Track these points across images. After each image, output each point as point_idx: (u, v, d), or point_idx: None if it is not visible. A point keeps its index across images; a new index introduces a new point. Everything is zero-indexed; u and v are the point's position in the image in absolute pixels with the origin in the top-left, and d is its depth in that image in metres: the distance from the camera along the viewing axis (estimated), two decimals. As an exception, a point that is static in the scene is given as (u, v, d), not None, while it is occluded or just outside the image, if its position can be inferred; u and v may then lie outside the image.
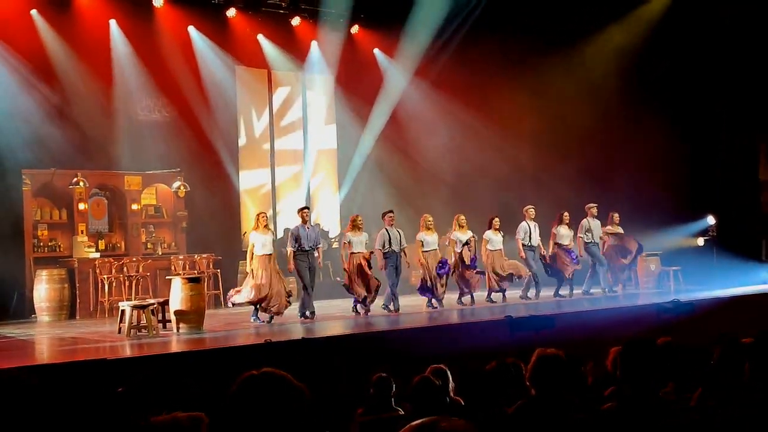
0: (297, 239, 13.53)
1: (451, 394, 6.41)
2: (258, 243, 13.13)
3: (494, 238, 15.57)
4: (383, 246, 14.21)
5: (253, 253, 13.13)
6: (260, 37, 19.49)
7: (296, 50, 20.12)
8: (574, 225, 16.55)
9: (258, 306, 13.07)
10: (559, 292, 16.23)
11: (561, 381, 4.78)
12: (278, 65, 20.01)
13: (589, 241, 16.55)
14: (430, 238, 14.73)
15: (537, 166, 20.57)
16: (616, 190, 18.85)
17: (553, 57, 20.10)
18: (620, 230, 16.98)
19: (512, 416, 4.79)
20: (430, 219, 14.85)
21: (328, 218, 20.88)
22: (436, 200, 19.60)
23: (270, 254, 13.20)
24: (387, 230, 14.31)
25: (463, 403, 6.32)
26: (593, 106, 19.79)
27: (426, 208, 16.12)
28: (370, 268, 13.85)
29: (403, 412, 6.25)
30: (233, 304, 13.62)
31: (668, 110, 19.59)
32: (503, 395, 5.51)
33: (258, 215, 13.48)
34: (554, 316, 12.29)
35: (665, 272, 17.63)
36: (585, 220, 16.65)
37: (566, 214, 16.37)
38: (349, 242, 13.95)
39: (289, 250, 13.59)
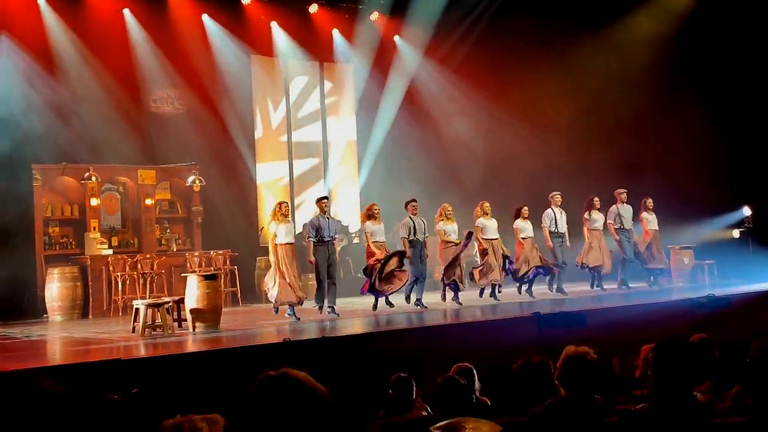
0: (317, 230, 13.53)
1: (477, 394, 6.40)
2: (281, 232, 13.19)
3: (525, 226, 15.64)
4: (408, 234, 14.24)
5: (275, 244, 13.16)
6: (275, 26, 19.51)
7: (314, 38, 20.13)
8: (605, 210, 16.57)
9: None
10: (599, 285, 16.31)
11: (591, 380, 4.76)
12: (295, 54, 20.02)
13: (619, 227, 16.50)
14: (452, 228, 14.73)
15: (566, 155, 20.44)
16: (649, 180, 18.71)
17: (585, 41, 19.93)
18: (654, 218, 16.85)
19: (540, 417, 4.77)
20: (449, 208, 14.84)
21: (349, 212, 20.89)
22: (460, 191, 19.55)
23: (293, 243, 13.33)
24: (411, 218, 14.35)
25: (489, 404, 6.30)
26: (627, 94, 19.64)
27: (449, 199, 16.06)
28: (402, 265, 13.92)
29: (426, 414, 6.24)
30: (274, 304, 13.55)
31: (707, 99, 19.39)
32: (531, 395, 5.49)
33: (279, 204, 13.53)
34: (584, 313, 12.23)
35: (699, 266, 17.52)
36: (614, 206, 16.62)
37: (596, 199, 16.39)
38: (372, 233, 13.99)
39: (309, 241, 13.58)
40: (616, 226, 16.48)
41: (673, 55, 19.75)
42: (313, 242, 13.51)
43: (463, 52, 20.53)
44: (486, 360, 7.37)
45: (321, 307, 13.52)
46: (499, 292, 15.19)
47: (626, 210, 16.65)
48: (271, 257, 13.28)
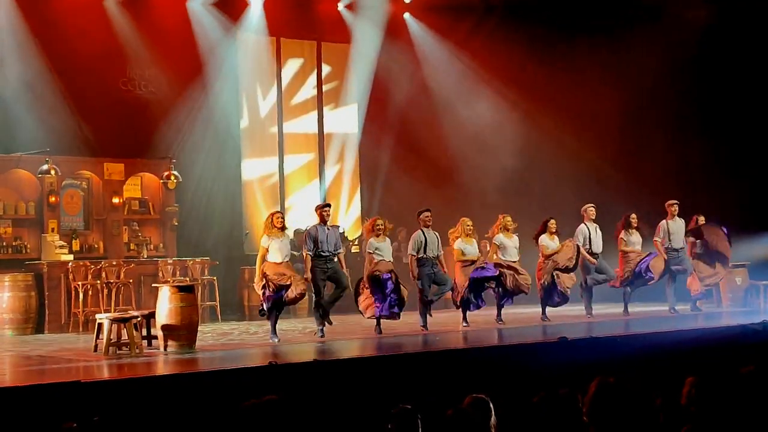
0: (315, 242, 13.49)
1: (493, 431, 6.41)
2: (273, 249, 13.11)
3: (551, 244, 15.46)
4: (417, 251, 14.23)
5: (264, 260, 13.10)
6: (267, -3, 19.57)
7: (310, 15, 20.17)
8: (645, 228, 16.43)
9: (279, 300, 13.07)
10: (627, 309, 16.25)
11: (626, 416, 4.77)
12: (288, 32, 20.06)
13: (668, 246, 16.34)
14: (471, 249, 14.73)
15: (608, 159, 20.36)
16: (696, 190, 18.70)
17: (631, 31, 19.88)
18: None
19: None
20: (470, 224, 14.81)
21: (349, 217, 20.92)
22: (478, 197, 19.57)
23: (288, 262, 13.26)
24: (423, 232, 14.33)
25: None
26: (672, 91, 19.62)
27: (465, 207, 16.06)
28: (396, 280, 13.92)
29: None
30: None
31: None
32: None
33: (272, 215, 13.40)
34: (618, 338, 12.22)
35: (754, 287, 17.48)
36: (663, 221, 16.42)
37: (634, 216, 16.22)
38: (376, 250, 13.91)
39: (306, 254, 13.54)
40: (665, 246, 16.32)
41: (737, 47, 19.61)
42: (311, 256, 13.46)
43: (484, 34, 20.54)
44: (504, 391, 7.37)
45: (322, 330, 13.47)
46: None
47: (677, 226, 16.44)
48: (257, 276, 13.17)
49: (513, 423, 6.53)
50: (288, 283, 12.97)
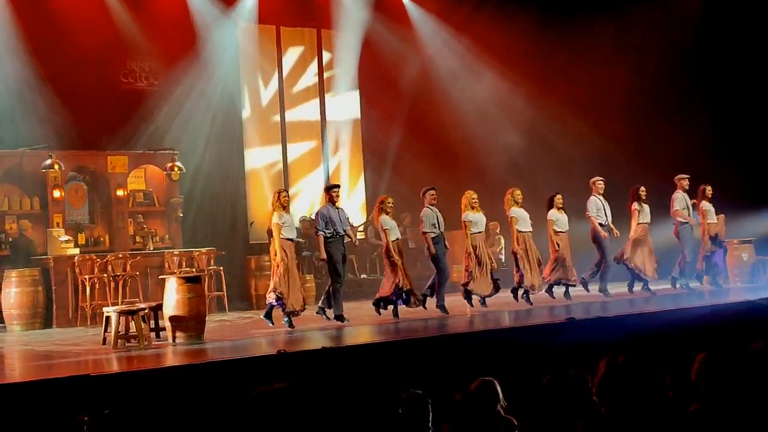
0: (329, 222, 13.52)
1: (501, 413, 6.41)
2: (287, 224, 13.16)
3: (561, 218, 15.57)
4: (431, 228, 14.25)
5: (282, 239, 13.08)
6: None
7: (310, 2, 20.14)
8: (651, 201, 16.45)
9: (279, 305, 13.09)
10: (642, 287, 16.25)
11: (636, 395, 4.76)
12: (288, 20, 20.02)
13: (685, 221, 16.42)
14: (479, 217, 14.75)
15: (605, 138, 20.35)
16: (700, 164, 18.66)
17: (631, 9, 19.83)
18: (711, 208, 16.79)
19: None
20: (475, 196, 14.83)
21: (354, 202, 20.91)
22: (481, 178, 19.54)
23: (294, 241, 13.36)
24: (431, 209, 14.36)
25: (515, 424, 6.32)
26: (679, 67, 19.57)
27: (469, 187, 16.01)
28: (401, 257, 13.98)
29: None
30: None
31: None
32: (565, 414, 5.50)
33: (278, 192, 13.45)
34: (626, 317, 12.21)
35: (761, 262, 17.49)
36: (677, 193, 16.52)
37: (642, 188, 16.27)
38: (390, 229, 13.95)
39: (320, 234, 13.53)
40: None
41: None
42: (326, 236, 13.47)
43: (484, 16, 20.48)
44: (512, 373, 7.37)
45: (340, 316, 13.45)
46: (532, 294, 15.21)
47: (686, 199, 16.54)
48: (278, 255, 13.14)
49: (522, 405, 6.52)
50: (299, 310, 13.14)
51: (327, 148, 20.85)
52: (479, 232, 14.78)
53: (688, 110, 19.71)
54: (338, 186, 14.41)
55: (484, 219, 14.90)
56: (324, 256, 13.46)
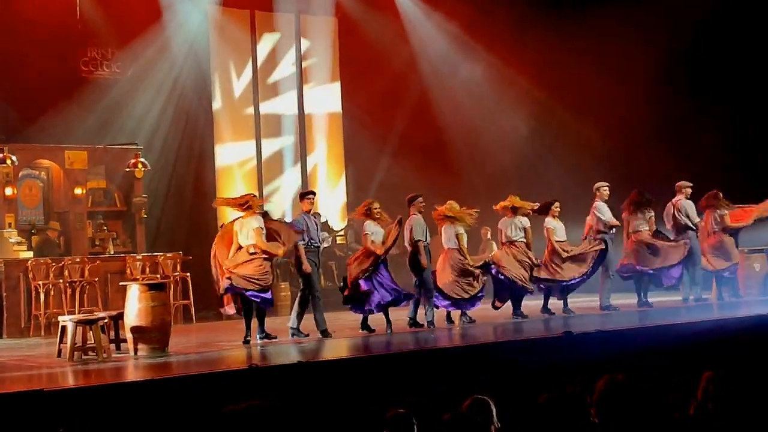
0: (306, 232, 13.58)
1: (494, 434, 6.44)
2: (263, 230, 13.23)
3: (558, 226, 15.67)
4: (423, 236, 14.31)
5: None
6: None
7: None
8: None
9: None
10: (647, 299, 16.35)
11: (638, 416, 4.79)
12: (264, 4, 20.05)
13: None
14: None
15: (608, 140, 20.41)
16: (708, 169, 18.75)
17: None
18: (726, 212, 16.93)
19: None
20: (456, 207, 14.90)
21: (333, 203, 20.93)
22: (471, 182, 19.58)
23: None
24: (419, 217, 14.42)
25: (508, 446, 6.35)
26: (688, 66, 19.69)
27: (456, 193, 16.08)
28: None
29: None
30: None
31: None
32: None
33: (252, 198, 13.51)
34: (627, 332, 12.26)
35: (774, 273, 17.57)
36: (678, 200, 16.61)
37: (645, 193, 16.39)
38: (372, 233, 13.98)
39: (300, 246, 13.57)
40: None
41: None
42: (305, 248, 13.52)
43: (476, 4, 20.53)
44: (507, 391, 7.40)
45: (324, 331, 13.47)
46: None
47: (690, 206, 16.63)
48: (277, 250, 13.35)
49: (517, 425, 6.56)
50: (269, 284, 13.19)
51: (305, 144, 20.85)
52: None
53: (696, 107, 19.80)
54: (314, 193, 14.49)
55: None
56: (309, 269, 13.48)
